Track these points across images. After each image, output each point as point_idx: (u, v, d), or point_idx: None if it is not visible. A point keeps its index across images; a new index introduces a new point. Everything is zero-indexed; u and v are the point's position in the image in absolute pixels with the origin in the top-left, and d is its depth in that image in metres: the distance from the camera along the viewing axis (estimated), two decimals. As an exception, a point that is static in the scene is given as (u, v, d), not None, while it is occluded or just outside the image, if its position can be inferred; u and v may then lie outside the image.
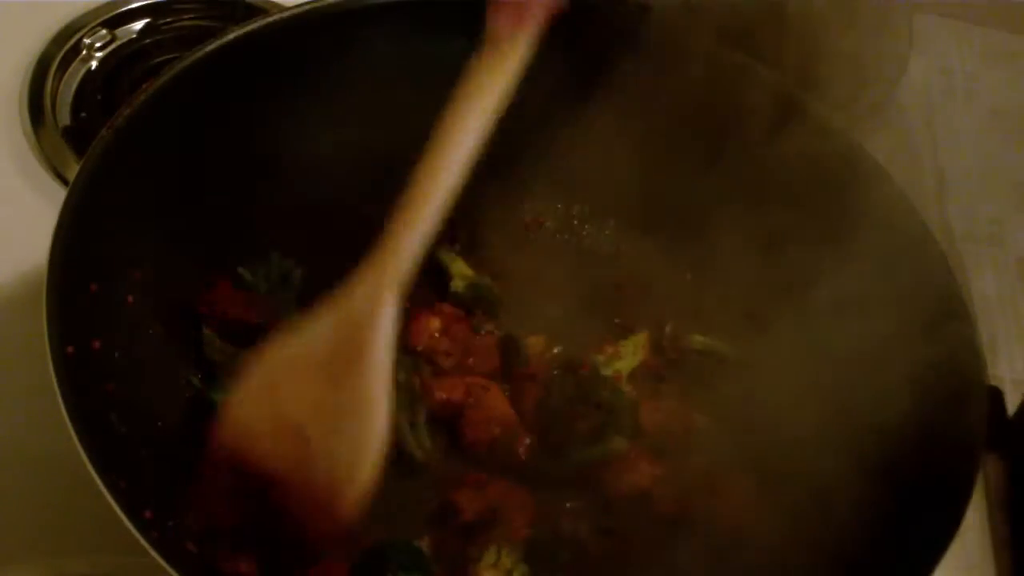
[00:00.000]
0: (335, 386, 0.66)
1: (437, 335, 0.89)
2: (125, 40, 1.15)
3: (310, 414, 0.66)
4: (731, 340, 0.92)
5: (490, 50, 0.68)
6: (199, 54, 0.83)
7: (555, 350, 0.91)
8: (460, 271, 0.93)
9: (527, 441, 0.83)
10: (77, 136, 1.04)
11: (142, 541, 0.61)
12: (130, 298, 0.79)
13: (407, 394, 0.81)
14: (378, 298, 0.65)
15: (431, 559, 0.75)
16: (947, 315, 0.79)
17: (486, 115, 0.68)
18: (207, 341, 0.84)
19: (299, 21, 0.88)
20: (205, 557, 0.71)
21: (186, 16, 1.18)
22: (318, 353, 0.67)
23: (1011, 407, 0.97)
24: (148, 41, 1.15)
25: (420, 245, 0.66)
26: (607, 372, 0.87)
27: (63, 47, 1.12)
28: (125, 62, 1.12)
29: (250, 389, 0.69)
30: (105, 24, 1.15)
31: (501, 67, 0.68)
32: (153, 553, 0.61)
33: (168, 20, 1.17)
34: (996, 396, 0.95)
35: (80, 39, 1.13)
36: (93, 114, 1.07)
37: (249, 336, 0.84)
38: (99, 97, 1.09)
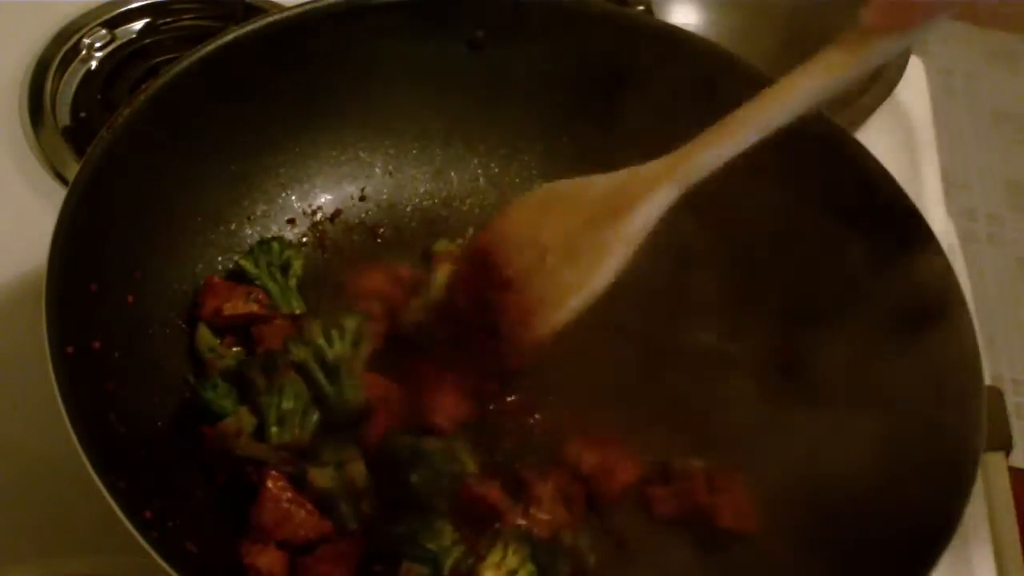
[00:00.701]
0: (588, 228, 0.72)
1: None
2: (125, 40, 1.15)
3: (556, 241, 0.73)
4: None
5: (857, 37, 0.68)
6: (199, 54, 0.83)
7: None
8: None
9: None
10: (77, 136, 1.04)
11: (142, 541, 0.61)
12: (130, 298, 0.79)
13: (356, 335, 0.83)
14: (662, 181, 0.71)
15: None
16: (947, 315, 0.79)
17: (823, 89, 0.69)
18: (200, 338, 0.84)
19: (299, 21, 0.88)
20: (227, 553, 0.72)
21: (186, 16, 1.18)
22: (589, 199, 0.73)
23: (1011, 407, 0.97)
24: (148, 41, 1.15)
25: (717, 160, 0.70)
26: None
27: (63, 47, 1.12)
28: (125, 62, 1.12)
29: (523, 206, 0.77)
30: (105, 24, 1.14)
31: (860, 54, 0.68)
32: (153, 553, 0.61)
33: (168, 20, 1.17)
34: (996, 396, 0.95)
35: (80, 39, 1.13)
36: (93, 114, 1.07)
37: (246, 331, 0.85)
38: (99, 97, 1.09)
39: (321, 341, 0.81)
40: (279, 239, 0.90)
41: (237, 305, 0.85)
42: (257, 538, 0.73)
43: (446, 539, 0.72)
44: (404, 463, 0.75)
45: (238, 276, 0.88)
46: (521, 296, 0.73)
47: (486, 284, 0.75)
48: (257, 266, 0.88)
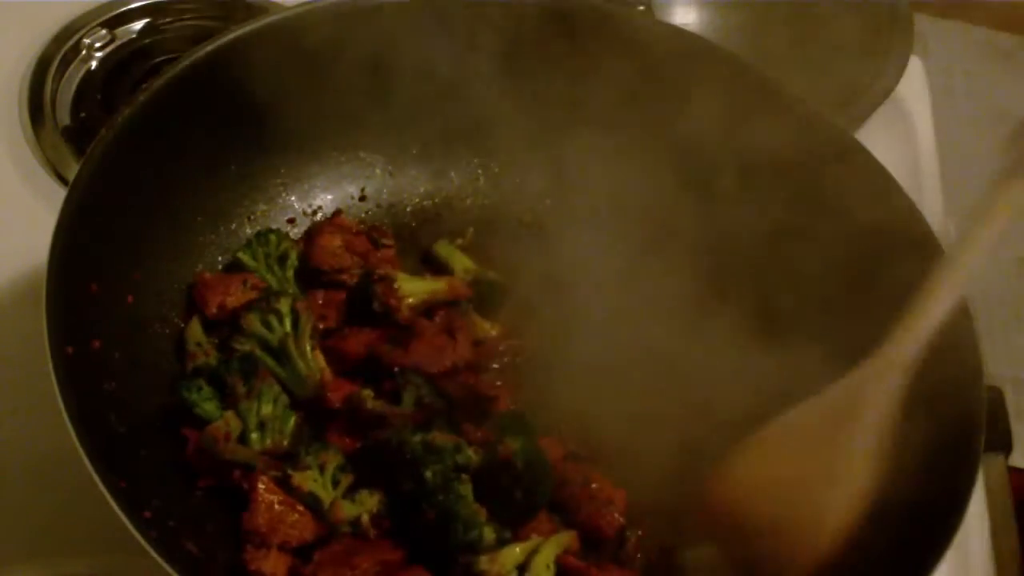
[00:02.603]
0: (821, 447, 0.70)
1: (339, 252, 0.90)
2: (125, 40, 1.15)
3: (794, 475, 0.71)
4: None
5: None
6: (199, 54, 0.83)
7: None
8: (463, 264, 0.93)
9: None
10: (77, 136, 1.04)
11: (142, 541, 0.61)
12: (130, 298, 0.79)
13: (293, 315, 0.83)
14: (882, 375, 0.69)
15: None
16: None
17: (997, 233, 0.69)
18: (190, 330, 0.83)
19: (299, 21, 0.88)
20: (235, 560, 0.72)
21: (186, 16, 1.18)
22: (816, 420, 0.71)
23: (1011, 407, 0.97)
24: (148, 41, 1.15)
25: (928, 335, 0.69)
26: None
27: (63, 47, 1.12)
28: (125, 62, 1.12)
29: (750, 453, 0.73)
30: (105, 24, 1.14)
31: None
32: (153, 553, 0.61)
33: (168, 20, 1.17)
34: (996, 396, 0.95)
35: (80, 39, 1.13)
36: (93, 114, 1.07)
37: (237, 324, 0.84)
38: (99, 97, 1.09)
39: (261, 329, 0.82)
40: (276, 231, 0.90)
41: (237, 296, 0.85)
42: (259, 544, 0.73)
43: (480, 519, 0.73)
44: (416, 460, 0.75)
45: (232, 270, 0.88)
46: (784, 534, 0.70)
47: (739, 534, 0.73)
48: (255, 259, 0.88)
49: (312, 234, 0.91)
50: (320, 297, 0.88)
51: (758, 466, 0.73)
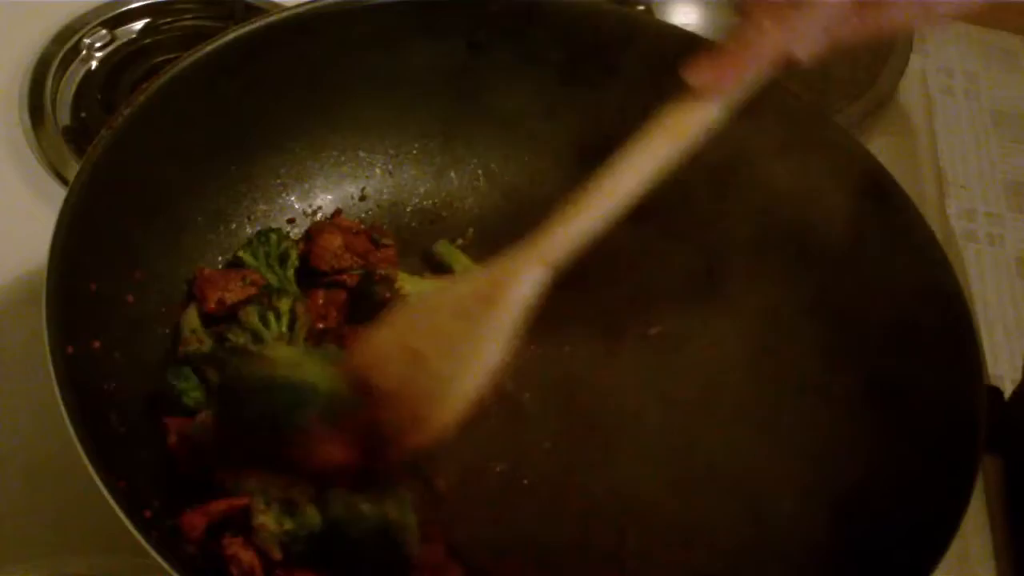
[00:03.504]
0: (460, 321, 0.72)
1: (340, 252, 0.90)
2: (125, 40, 1.15)
3: (431, 343, 0.73)
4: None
5: (687, 99, 0.69)
6: (199, 54, 0.83)
7: None
8: (463, 264, 0.93)
9: None
10: (77, 136, 1.04)
11: (142, 541, 0.61)
12: (130, 298, 0.79)
13: (291, 316, 0.83)
14: (528, 263, 0.71)
15: None
16: (947, 315, 0.79)
17: (661, 160, 0.70)
18: (186, 317, 0.83)
19: (299, 21, 0.88)
20: (207, 545, 0.72)
21: (186, 16, 1.18)
22: (455, 298, 0.73)
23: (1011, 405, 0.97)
24: (148, 41, 1.15)
25: (579, 238, 0.70)
26: None
27: (63, 47, 1.12)
28: (125, 62, 1.12)
29: (393, 319, 0.75)
30: (105, 24, 1.14)
31: (693, 116, 0.69)
32: (153, 553, 0.61)
33: (168, 20, 1.17)
34: (996, 396, 0.95)
35: (80, 39, 1.13)
36: (93, 114, 1.07)
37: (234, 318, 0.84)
38: (99, 97, 1.09)
39: (258, 324, 0.81)
40: (276, 230, 0.90)
41: (236, 291, 0.85)
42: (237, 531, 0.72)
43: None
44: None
45: (234, 267, 0.88)
46: (406, 399, 0.72)
47: (369, 404, 0.73)
48: (256, 257, 0.88)
49: (312, 234, 0.91)
50: (321, 297, 0.88)
51: (400, 333, 0.74)
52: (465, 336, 0.71)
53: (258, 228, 0.91)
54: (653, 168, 0.70)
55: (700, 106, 0.69)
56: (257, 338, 0.81)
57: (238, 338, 0.81)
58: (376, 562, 0.72)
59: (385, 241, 0.93)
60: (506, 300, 0.70)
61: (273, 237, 0.89)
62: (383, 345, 0.74)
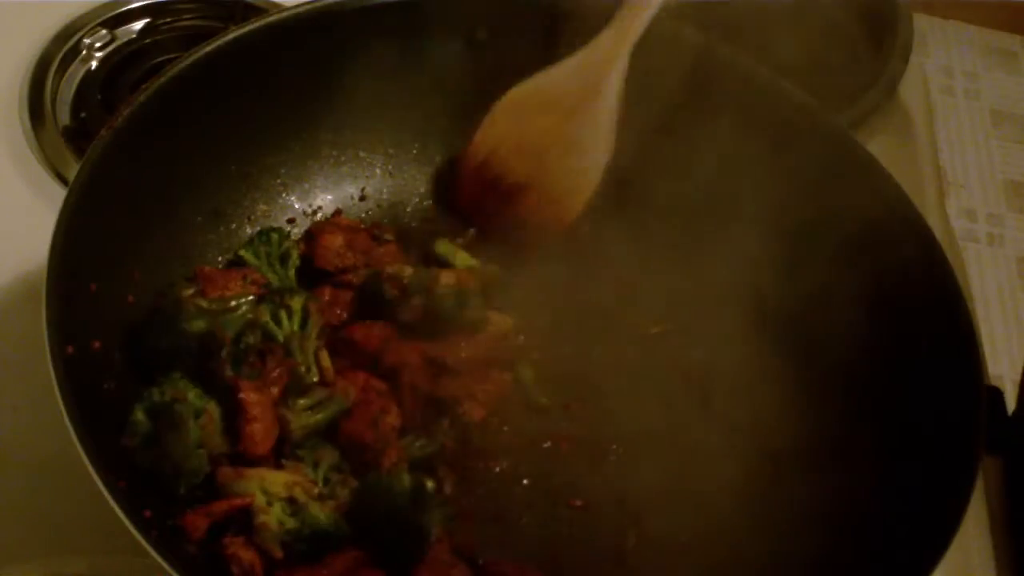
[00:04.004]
0: (569, 118, 0.77)
1: (343, 251, 0.90)
2: (125, 40, 1.15)
3: (549, 139, 0.78)
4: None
5: None
6: (199, 54, 0.83)
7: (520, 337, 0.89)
8: (465, 262, 0.93)
9: None
10: (77, 136, 1.04)
11: (142, 541, 0.61)
12: (130, 298, 0.79)
13: (304, 314, 0.83)
14: (615, 50, 0.75)
15: None
16: (947, 315, 0.79)
17: None
18: (187, 299, 0.81)
19: (299, 21, 0.88)
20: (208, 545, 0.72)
21: (186, 16, 1.18)
22: (558, 91, 0.78)
23: (1011, 407, 0.97)
24: (148, 41, 1.15)
25: (651, 14, 0.75)
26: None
27: (63, 47, 1.12)
28: (125, 62, 1.12)
29: (500, 115, 0.81)
30: (105, 24, 1.14)
31: None
32: (153, 553, 0.61)
33: (168, 20, 1.17)
34: (996, 396, 0.95)
35: (80, 39, 1.13)
36: (93, 114, 1.07)
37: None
38: (99, 97, 1.09)
39: (270, 323, 0.81)
40: (277, 229, 0.90)
41: (236, 290, 0.84)
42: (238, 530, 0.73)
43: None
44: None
45: (235, 267, 0.88)
46: (536, 195, 0.78)
47: (495, 196, 0.80)
48: (257, 257, 0.88)
49: (314, 234, 0.91)
50: (327, 294, 0.88)
51: (513, 125, 0.80)
52: (582, 129, 0.76)
53: (258, 228, 0.91)
54: None
55: None
56: (269, 338, 0.81)
57: (248, 338, 0.81)
58: (402, 534, 0.73)
59: (386, 237, 0.93)
60: (607, 90, 0.75)
61: (275, 236, 0.89)
62: (503, 139, 0.79)
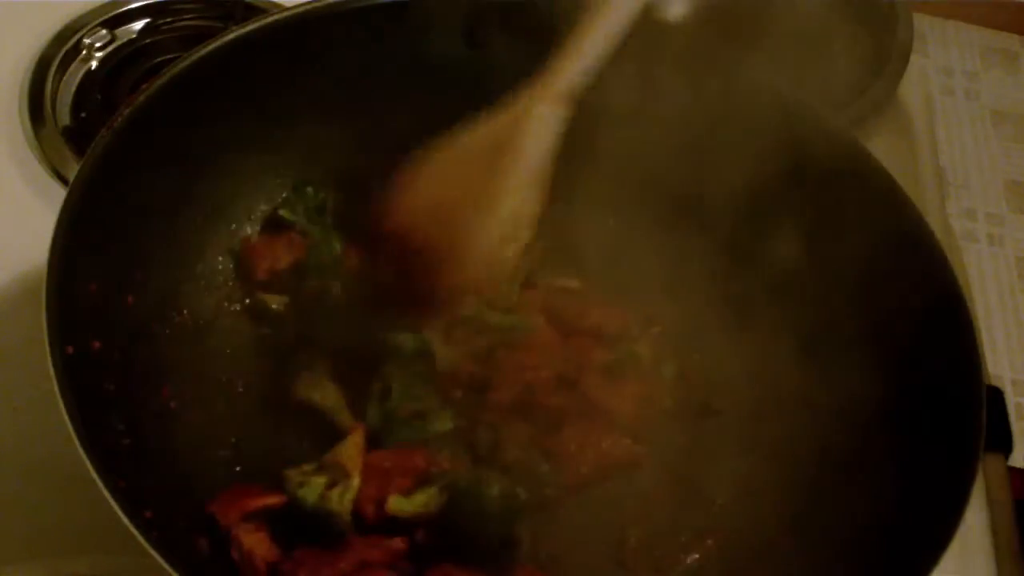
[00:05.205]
0: (490, 174, 0.71)
1: None
2: (125, 40, 1.15)
3: (465, 198, 0.72)
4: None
5: None
6: (199, 54, 0.83)
7: None
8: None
9: None
10: (77, 136, 1.04)
11: (142, 541, 0.61)
12: (130, 298, 0.79)
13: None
14: (542, 101, 0.69)
15: None
16: (947, 315, 0.79)
17: None
18: (267, 301, 0.87)
19: (299, 21, 0.88)
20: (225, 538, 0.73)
21: (186, 16, 1.18)
22: (477, 147, 0.72)
23: (1011, 407, 0.97)
24: (148, 41, 1.15)
25: (591, 64, 0.69)
26: None
27: (63, 47, 1.12)
28: (125, 62, 1.12)
29: (418, 178, 0.75)
30: (105, 24, 1.15)
31: None
32: (153, 553, 0.61)
33: (168, 20, 1.17)
34: (996, 396, 0.95)
35: (80, 39, 1.13)
36: (93, 114, 1.07)
37: (297, 280, 0.88)
38: (99, 97, 1.09)
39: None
40: (311, 181, 0.92)
41: (284, 257, 0.88)
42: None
43: None
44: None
45: (271, 227, 0.91)
46: (457, 259, 0.72)
47: (402, 256, 0.74)
48: (295, 213, 0.90)
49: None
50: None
51: (432, 187, 0.73)
52: (499, 190, 0.69)
53: (259, 228, 0.91)
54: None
55: None
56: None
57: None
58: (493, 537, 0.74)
59: None
60: (528, 150, 0.68)
61: (309, 190, 0.91)
62: (416, 198, 0.73)
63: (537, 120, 0.68)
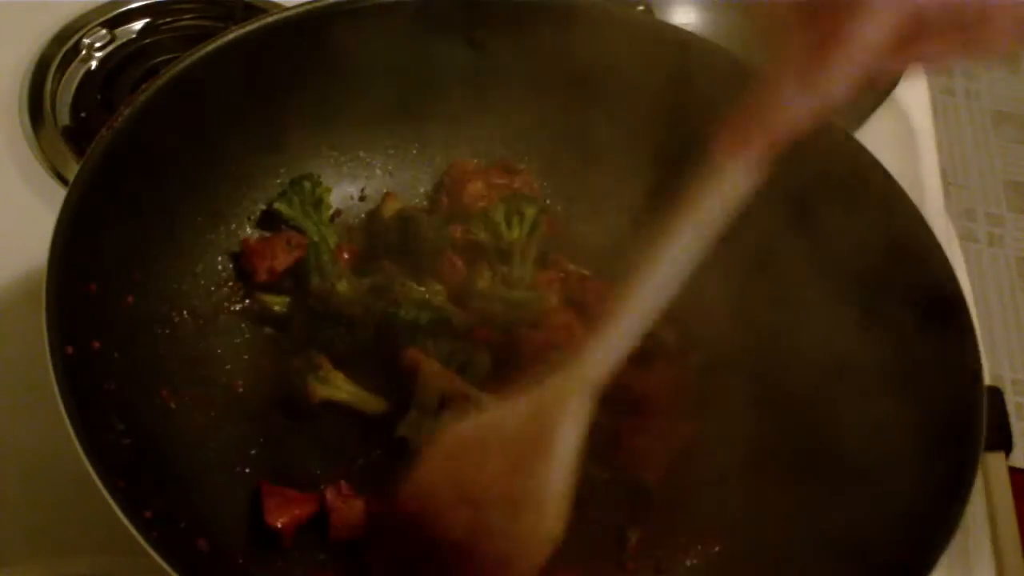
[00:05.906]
0: (515, 470, 0.65)
1: (486, 193, 0.92)
2: (125, 40, 1.15)
3: (490, 494, 0.66)
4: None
5: (711, 169, 0.61)
6: (199, 54, 0.83)
7: None
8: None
9: None
10: (77, 136, 1.04)
11: (142, 541, 0.61)
12: (130, 298, 0.79)
13: (532, 223, 0.87)
14: (569, 396, 0.64)
15: None
16: (947, 315, 0.79)
17: (697, 238, 0.62)
18: (268, 303, 0.88)
19: (299, 21, 0.88)
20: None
21: (186, 16, 1.18)
22: (503, 436, 0.66)
23: (1011, 407, 0.97)
24: (148, 41, 1.15)
25: (616, 355, 0.64)
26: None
27: (63, 47, 1.12)
28: (125, 62, 1.12)
29: (436, 458, 0.69)
30: (105, 24, 1.14)
31: (720, 190, 0.61)
32: (153, 553, 0.61)
33: (168, 20, 1.17)
34: (996, 396, 0.95)
35: (80, 39, 1.13)
36: (93, 114, 1.07)
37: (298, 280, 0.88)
38: (99, 97, 1.09)
39: (502, 223, 0.84)
40: (308, 176, 0.92)
41: (284, 258, 0.88)
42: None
43: None
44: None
45: (267, 222, 0.91)
46: (467, 551, 0.66)
47: (427, 554, 0.68)
48: (291, 207, 0.90)
49: (454, 183, 0.93)
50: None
51: (454, 470, 0.67)
52: (528, 488, 0.64)
53: (259, 228, 0.91)
54: (684, 261, 0.63)
55: (727, 178, 0.61)
56: (497, 235, 0.83)
57: (479, 233, 0.83)
58: None
59: (519, 167, 0.95)
60: (556, 446, 0.63)
61: (307, 185, 0.91)
62: (436, 486, 0.68)
63: (568, 415, 0.64)
